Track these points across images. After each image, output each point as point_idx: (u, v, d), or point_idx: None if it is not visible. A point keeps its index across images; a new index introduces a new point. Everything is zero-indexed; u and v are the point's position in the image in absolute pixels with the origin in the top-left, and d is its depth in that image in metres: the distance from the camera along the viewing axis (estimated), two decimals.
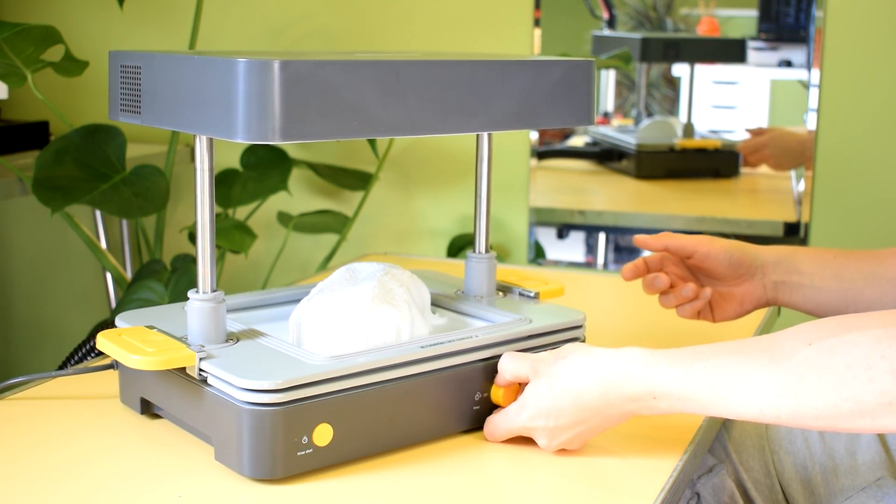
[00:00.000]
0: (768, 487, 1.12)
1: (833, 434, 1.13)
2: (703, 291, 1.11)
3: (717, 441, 1.15)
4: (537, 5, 2.03)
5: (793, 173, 2.01)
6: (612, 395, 0.84)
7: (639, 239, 1.12)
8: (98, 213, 2.22)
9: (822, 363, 0.76)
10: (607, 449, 0.92)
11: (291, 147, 2.11)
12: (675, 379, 0.82)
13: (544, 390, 0.87)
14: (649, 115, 2.15)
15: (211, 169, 0.86)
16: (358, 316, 0.91)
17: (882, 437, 1.11)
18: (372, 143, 1.99)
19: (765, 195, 2.11)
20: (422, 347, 0.89)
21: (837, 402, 0.75)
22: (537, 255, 2.15)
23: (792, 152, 2.03)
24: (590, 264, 2.19)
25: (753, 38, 2.05)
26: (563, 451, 0.90)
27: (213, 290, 0.88)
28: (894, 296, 1.06)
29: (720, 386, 0.80)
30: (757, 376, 0.79)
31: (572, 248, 2.18)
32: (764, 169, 2.09)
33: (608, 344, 1.19)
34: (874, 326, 0.76)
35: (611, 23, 2.10)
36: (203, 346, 0.87)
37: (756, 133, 2.07)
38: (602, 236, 2.19)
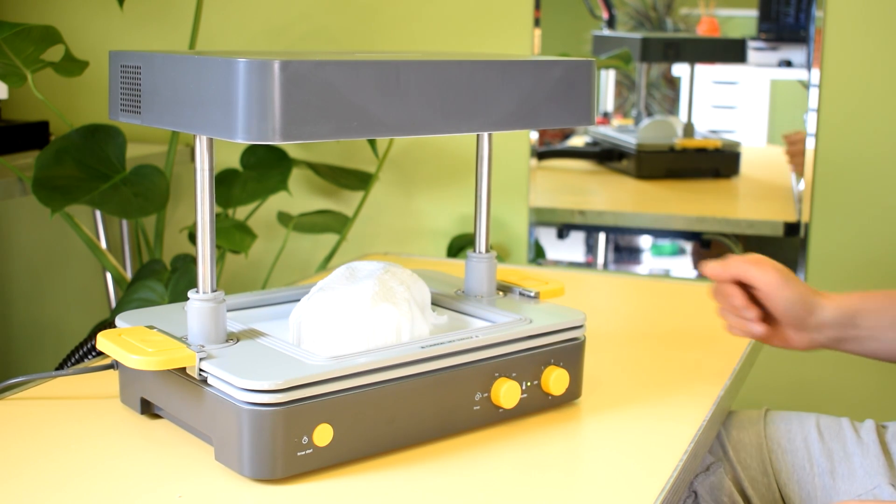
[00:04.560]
0: (765, 486, 1.13)
1: (833, 435, 1.13)
2: (755, 328, 1.09)
3: (715, 439, 1.15)
4: (537, 5, 2.03)
5: (793, 173, 2.01)
6: None
7: (708, 271, 1.10)
8: (98, 213, 2.22)
9: None
10: (608, 448, 0.92)
11: (291, 147, 2.11)
12: None
13: None
14: (649, 115, 2.15)
15: (211, 169, 0.86)
16: (358, 314, 0.91)
17: (883, 441, 1.11)
18: (372, 143, 1.99)
19: (765, 195, 2.11)
20: (422, 347, 0.89)
21: None
22: (537, 255, 2.15)
23: None
24: (590, 264, 2.19)
25: (753, 38, 2.05)
26: (565, 445, 0.89)
27: (213, 290, 0.88)
28: None
29: None
30: None
31: (572, 248, 2.18)
32: (764, 169, 2.09)
33: (608, 344, 1.19)
34: None
35: (611, 23, 2.10)
36: (203, 346, 0.87)
37: (793, 140, 2.06)
38: (602, 236, 2.19)
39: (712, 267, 1.09)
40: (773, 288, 1.07)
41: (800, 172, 1.98)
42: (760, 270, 1.07)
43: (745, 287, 1.08)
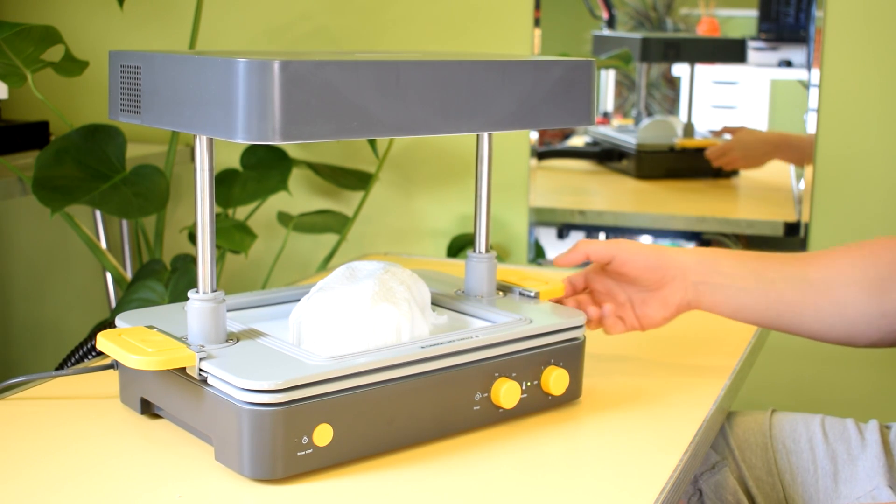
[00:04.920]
0: (770, 486, 1.13)
1: (837, 436, 1.13)
2: (604, 307, 1.09)
3: (720, 437, 1.15)
4: (537, 5, 2.03)
5: (792, 173, 2.02)
6: None
7: (558, 260, 1.10)
8: (98, 213, 2.22)
9: None
10: (608, 448, 0.92)
11: (291, 147, 2.11)
12: None
13: None
14: (649, 115, 2.15)
15: (211, 169, 0.86)
16: (358, 314, 0.91)
17: (886, 442, 1.11)
18: (372, 143, 1.99)
19: (765, 195, 2.11)
20: (422, 347, 0.89)
21: None
22: (537, 255, 2.15)
23: (758, 150, 2.06)
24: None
25: (753, 38, 2.05)
26: (565, 445, 0.89)
27: (213, 290, 0.88)
28: (815, 298, 1.05)
29: None
30: None
31: None
32: (764, 169, 2.09)
33: (608, 344, 1.19)
34: None
35: (611, 23, 2.10)
36: (203, 346, 0.87)
37: (726, 132, 2.09)
38: (602, 236, 2.19)
39: (562, 256, 1.10)
40: (624, 248, 1.07)
41: (726, 168, 2.03)
42: (605, 242, 1.08)
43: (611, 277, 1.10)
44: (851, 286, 1.04)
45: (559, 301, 1.09)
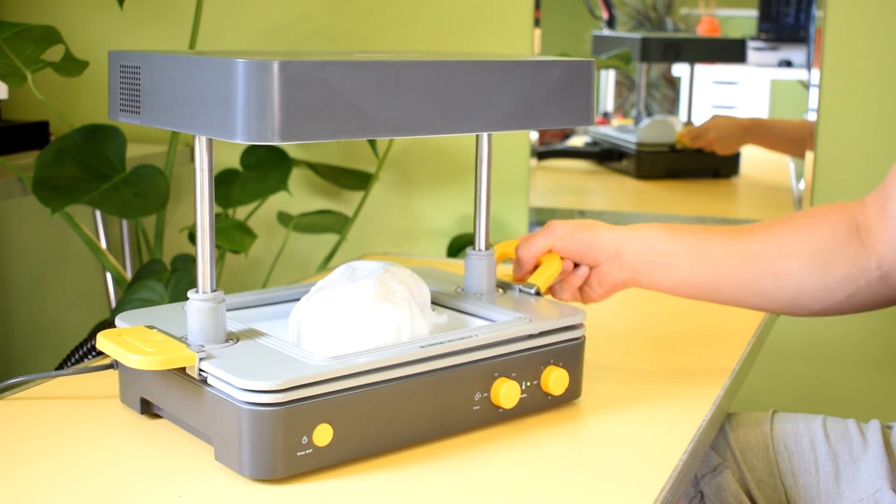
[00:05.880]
0: (772, 488, 1.12)
1: (839, 437, 1.13)
2: (579, 269, 1.09)
3: (721, 439, 1.15)
4: (537, 5, 2.03)
5: (792, 172, 2.02)
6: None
7: (517, 278, 1.10)
8: (98, 213, 2.22)
9: None
10: (607, 448, 0.92)
11: (291, 147, 2.11)
12: None
13: None
14: (649, 115, 2.15)
15: (211, 169, 0.86)
16: (358, 314, 0.91)
17: (888, 443, 1.11)
18: (372, 143, 1.99)
19: (764, 195, 2.11)
20: (422, 347, 0.89)
21: None
22: None
23: (732, 133, 2.08)
24: None
25: (753, 38, 2.05)
26: (565, 445, 0.89)
27: (213, 290, 0.88)
28: (756, 271, 1.04)
29: None
30: None
31: None
32: (764, 169, 2.09)
33: (608, 343, 1.19)
34: None
35: (611, 23, 2.10)
36: (203, 346, 0.87)
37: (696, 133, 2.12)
38: None
39: (515, 274, 1.11)
40: (557, 237, 1.07)
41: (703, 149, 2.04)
42: (539, 235, 1.08)
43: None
44: (792, 259, 1.03)
45: (520, 280, 1.11)
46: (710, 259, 1.04)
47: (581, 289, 1.10)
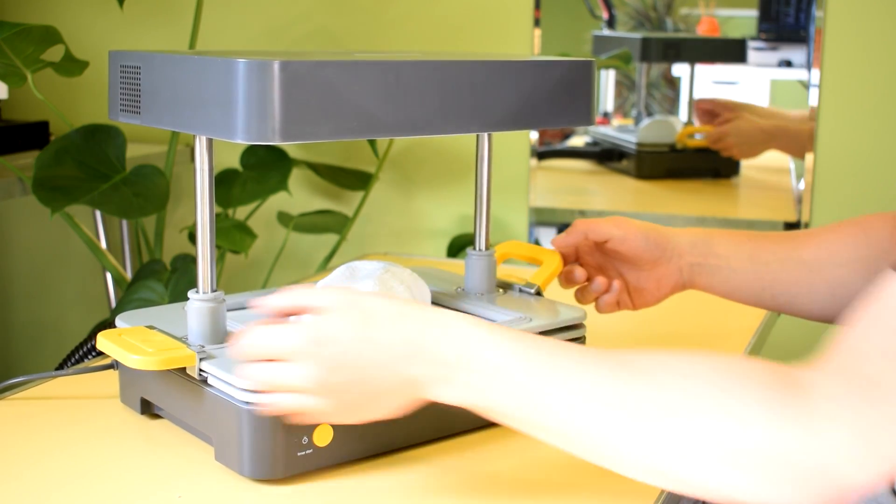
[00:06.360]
0: None
1: None
2: (613, 284, 1.08)
3: None
4: (537, 5, 2.03)
5: (792, 172, 2.02)
6: (425, 348, 0.74)
7: (557, 241, 1.09)
8: (98, 213, 2.22)
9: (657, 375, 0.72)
10: None
11: (291, 147, 2.11)
12: (509, 354, 0.74)
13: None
14: (649, 115, 2.15)
15: (211, 169, 0.86)
16: None
17: None
18: (372, 143, 1.99)
19: (765, 195, 2.11)
20: None
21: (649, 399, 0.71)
22: None
23: (754, 139, 2.05)
24: None
25: (753, 38, 2.05)
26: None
27: (213, 290, 0.88)
28: (809, 279, 1.04)
29: (551, 375, 0.73)
30: (594, 377, 0.73)
31: None
32: (764, 169, 2.09)
33: (609, 343, 1.19)
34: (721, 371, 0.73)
35: (611, 23, 2.10)
36: (203, 346, 0.87)
37: (714, 114, 2.07)
38: None
39: (560, 237, 1.09)
40: (622, 225, 1.06)
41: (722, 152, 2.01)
42: (603, 220, 1.07)
43: (605, 256, 1.09)
44: (843, 266, 1.03)
45: (560, 275, 1.09)
46: (767, 265, 1.05)
47: (631, 294, 1.09)
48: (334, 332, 0.74)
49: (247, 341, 0.76)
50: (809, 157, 1.92)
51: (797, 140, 1.94)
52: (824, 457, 0.68)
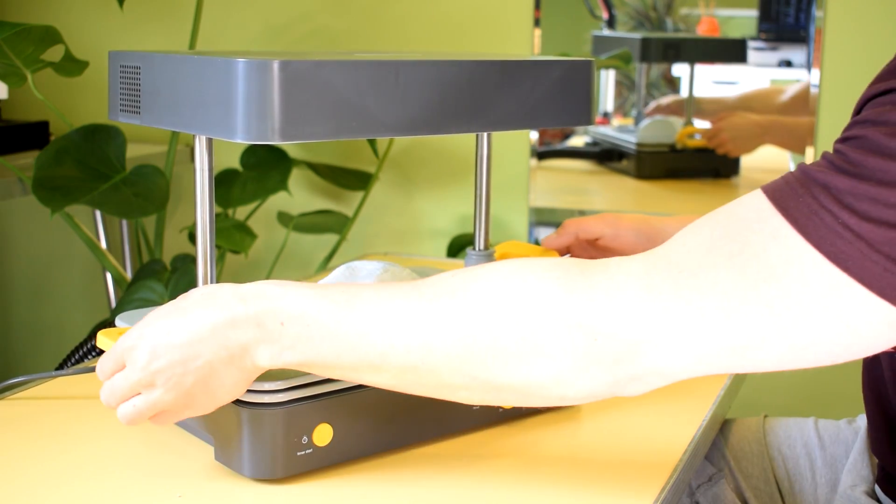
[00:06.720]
0: (768, 496, 1.12)
1: (833, 438, 1.12)
2: None
3: (715, 449, 1.15)
4: (537, 5, 2.03)
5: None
6: (235, 314, 0.74)
7: (547, 242, 1.09)
8: (98, 213, 2.22)
9: (462, 289, 0.73)
10: (607, 450, 0.92)
11: (291, 147, 2.11)
12: (311, 299, 0.75)
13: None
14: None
15: (211, 169, 0.86)
16: None
17: None
18: (372, 143, 1.99)
19: None
20: None
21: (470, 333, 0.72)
22: None
23: (749, 132, 2.04)
24: None
25: (753, 38, 2.05)
26: (564, 446, 0.89)
27: None
28: None
29: (356, 307, 0.74)
30: (397, 301, 0.74)
31: None
32: (764, 169, 2.09)
33: None
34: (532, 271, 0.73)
35: (610, 23, 2.10)
36: None
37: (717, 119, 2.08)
38: None
39: (550, 237, 1.09)
40: (612, 222, 1.06)
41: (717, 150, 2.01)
42: (593, 218, 1.07)
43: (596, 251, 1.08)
44: None
45: None
46: None
47: None
48: (153, 342, 0.75)
49: (104, 397, 0.79)
50: (809, 156, 1.92)
51: (793, 133, 1.93)
52: (616, 316, 0.69)
